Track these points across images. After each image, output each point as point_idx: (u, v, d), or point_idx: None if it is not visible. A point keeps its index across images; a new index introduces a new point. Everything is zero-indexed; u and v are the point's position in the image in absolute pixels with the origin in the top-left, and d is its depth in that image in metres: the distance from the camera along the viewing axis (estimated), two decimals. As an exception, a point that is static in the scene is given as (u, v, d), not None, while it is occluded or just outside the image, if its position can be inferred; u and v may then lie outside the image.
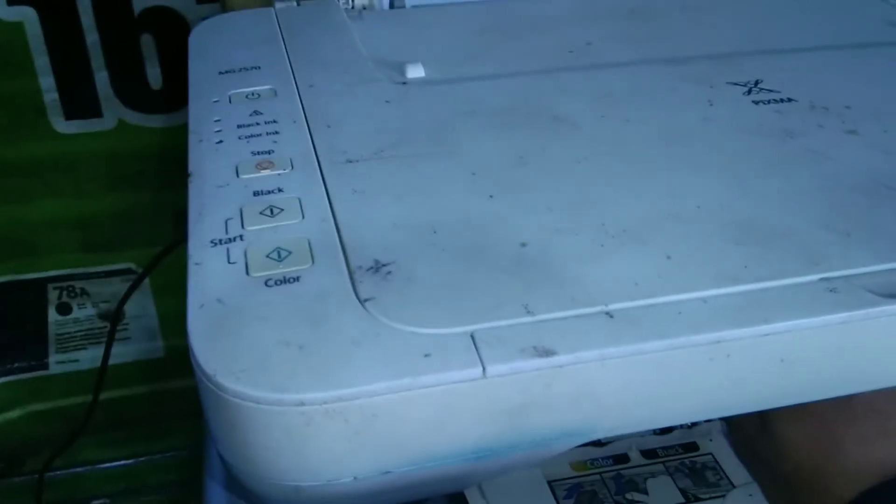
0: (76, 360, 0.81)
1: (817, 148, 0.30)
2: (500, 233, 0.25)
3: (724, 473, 0.37)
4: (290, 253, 0.23)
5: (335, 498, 0.21)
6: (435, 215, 0.26)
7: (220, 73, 0.37)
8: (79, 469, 0.85)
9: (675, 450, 0.38)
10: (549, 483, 0.36)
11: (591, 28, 0.43)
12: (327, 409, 0.19)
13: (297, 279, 0.22)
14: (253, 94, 0.35)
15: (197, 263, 0.23)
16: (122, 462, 0.87)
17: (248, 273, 0.22)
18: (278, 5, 0.48)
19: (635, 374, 0.21)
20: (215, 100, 0.34)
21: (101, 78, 0.72)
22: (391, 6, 0.49)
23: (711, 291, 0.22)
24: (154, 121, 0.73)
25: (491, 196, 0.27)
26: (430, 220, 0.25)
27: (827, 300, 0.22)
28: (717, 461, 0.38)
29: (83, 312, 0.80)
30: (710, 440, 0.39)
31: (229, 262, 0.23)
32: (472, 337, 0.20)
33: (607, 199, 0.27)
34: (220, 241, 0.24)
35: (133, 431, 0.85)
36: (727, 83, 0.36)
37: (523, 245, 0.24)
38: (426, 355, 0.20)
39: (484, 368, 0.20)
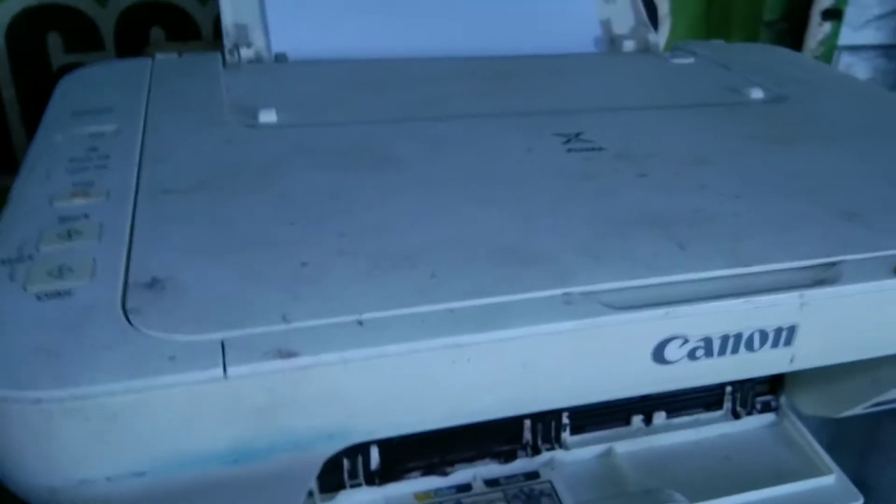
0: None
1: (606, 188, 0.33)
2: (285, 254, 0.26)
3: (559, 498, 0.38)
4: (71, 270, 0.24)
5: (96, 502, 0.22)
6: (230, 240, 0.27)
7: (74, 113, 0.39)
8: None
9: (518, 478, 0.40)
10: (391, 512, 0.36)
11: (455, 85, 0.47)
12: (65, 407, 0.20)
13: (69, 293, 0.23)
14: (96, 133, 0.36)
15: (-22, 281, 0.24)
16: None
17: (24, 288, 0.23)
18: (159, 56, 0.50)
19: (380, 376, 0.23)
20: (58, 138, 0.36)
21: (18, 133, 0.72)
22: (276, 60, 0.52)
23: (460, 303, 0.24)
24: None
25: (291, 223, 0.29)
26: (224, 243, 0.27)
27: (562, 310, 0.24)
28: (554, 488, 0.39)
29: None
30: (552, 469, 0.40)
31: (11, 280, 0.24)
32: (223, 342, 0.22)
33: (399, 227, 0.29)
34: (9, 260, 0.25)
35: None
36: (552, 134, 0.39)
37: (303, 265, 0.26)
38: (171, 358, 0.21)
39: (225, 369, 0.21)
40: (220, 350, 0.22)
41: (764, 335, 0.27)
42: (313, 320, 0.23)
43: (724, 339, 0.27)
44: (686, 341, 0.26)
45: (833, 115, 0.44)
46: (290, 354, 0.22)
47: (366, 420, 0.23)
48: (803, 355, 0.29)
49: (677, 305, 0.26)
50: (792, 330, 0.28)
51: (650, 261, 0.27)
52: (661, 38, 0.75)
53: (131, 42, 0.67)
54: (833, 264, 0.29)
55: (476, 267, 0.26)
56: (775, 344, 0.28)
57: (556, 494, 0.38)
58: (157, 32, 0.68)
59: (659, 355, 0.26)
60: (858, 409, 0.42)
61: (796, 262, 0.29)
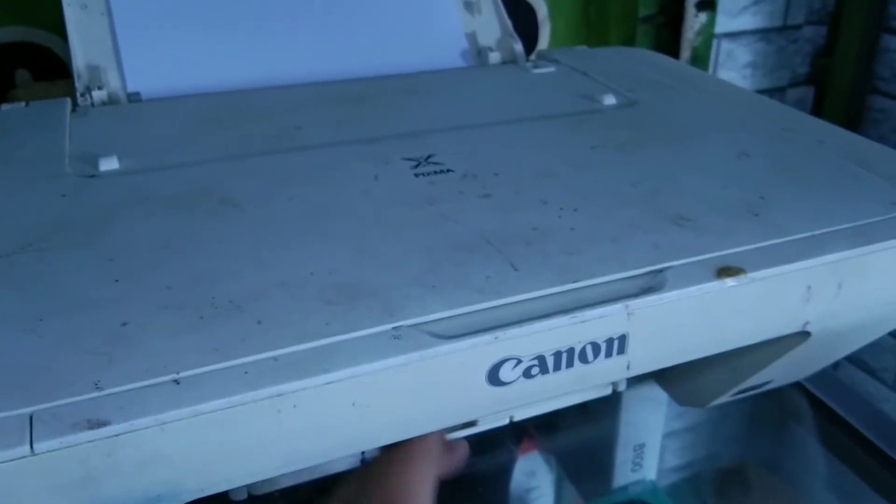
0: None
1: (447, 212, 0.33)
2: (106, 314, 0.26)
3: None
4: None
5: None
6: (50, 304, 0.26)
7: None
8: None
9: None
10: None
11: (310, 114, 0.46)
12: None
13: None
14: (-69, 198, 0.34)
15: None
16: None
17: None
18: (4, 107, 0.48)
19: (202, 435, 0.22)
20: None
21: None
22: (129, 100, 0.51)
23: (284, 350, 0.24)
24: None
25: (117, 280, 0.28)
26: (43, 308, 0.26)
27: (389, 346, 0.24)
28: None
29: None
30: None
31: None
32: (31, 417, 0.21)
33: (230, 273, 0.28)
34: None
35: None
36: (403, 159, 0.39)
37: (124, 324, 0.25)
38: (-25, 438, 0.20)
39: (32, 445, 0.20)
40: (28, 425, 0.21)
41: (596, 347, 0.28)
42: (128, 384, 0.22)
43: (558, 355, 0.28)
44: (519, 361, 0.27)
45: (679, 117, 0.45)
46: (99, 424, 0.21)
47: (194, 478, 0.23)
48: (639, 361, 0.30)
49: (506, 328, 0.26)
50: (623, 339, 0.29)
51: (482, 285, 0.28)
52: (542, 41, 0.76)
53: (-3, 86, 0.64)
54: (659, 271, 0.30)
55: (306, 308, 0.26)
56: (609, 354, 0.29)
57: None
58: (22, 74, 0.65)
59: (494, 378, 0.27)
60: (725, 398, 0.44)
61: (624, 273, 0.30)
